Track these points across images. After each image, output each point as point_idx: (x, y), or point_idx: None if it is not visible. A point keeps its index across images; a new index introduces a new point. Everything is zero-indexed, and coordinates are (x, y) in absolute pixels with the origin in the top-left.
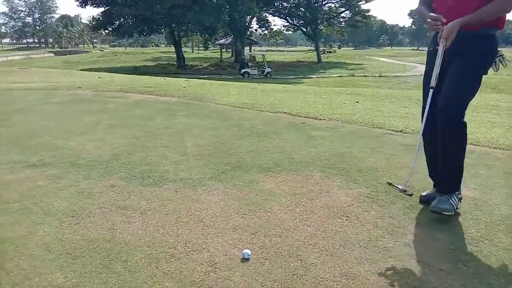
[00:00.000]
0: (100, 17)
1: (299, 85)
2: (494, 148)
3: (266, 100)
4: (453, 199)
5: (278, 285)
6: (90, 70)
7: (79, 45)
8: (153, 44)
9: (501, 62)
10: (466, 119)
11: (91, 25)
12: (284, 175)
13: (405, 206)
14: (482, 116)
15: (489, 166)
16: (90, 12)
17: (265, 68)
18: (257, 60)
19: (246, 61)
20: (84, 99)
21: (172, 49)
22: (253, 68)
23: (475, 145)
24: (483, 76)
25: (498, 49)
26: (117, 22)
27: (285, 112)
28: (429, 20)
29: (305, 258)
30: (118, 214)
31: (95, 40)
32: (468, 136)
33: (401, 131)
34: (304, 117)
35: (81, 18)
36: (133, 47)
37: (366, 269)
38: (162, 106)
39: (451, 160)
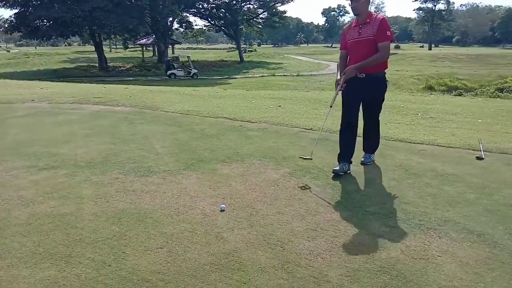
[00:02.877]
0: (13, 19)
1: (228, 87)
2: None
3: (207, 107)
4: (372, 155)
5: (243, 221)
6: (4, 74)
7: None
8: (65, 43)
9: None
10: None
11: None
12: (234, 164)
13: (311, 177)
14: None
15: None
16: None
17: (191, 69)
18: (181, 61)
19: (171, 62)
20: (45, 111)
21: (88, 48)
22: (180, 69)
23: None
24: None
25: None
26: (33, 24)
27: (224, 117)
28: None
29: (255, 206)
30: (131, 195)
31: None
32: None
33: (311, 129)
34: (241, 121)
35: None
36: (42, 46)
37: (288, 209)
38: (120, 115)
39: (377, 135)
